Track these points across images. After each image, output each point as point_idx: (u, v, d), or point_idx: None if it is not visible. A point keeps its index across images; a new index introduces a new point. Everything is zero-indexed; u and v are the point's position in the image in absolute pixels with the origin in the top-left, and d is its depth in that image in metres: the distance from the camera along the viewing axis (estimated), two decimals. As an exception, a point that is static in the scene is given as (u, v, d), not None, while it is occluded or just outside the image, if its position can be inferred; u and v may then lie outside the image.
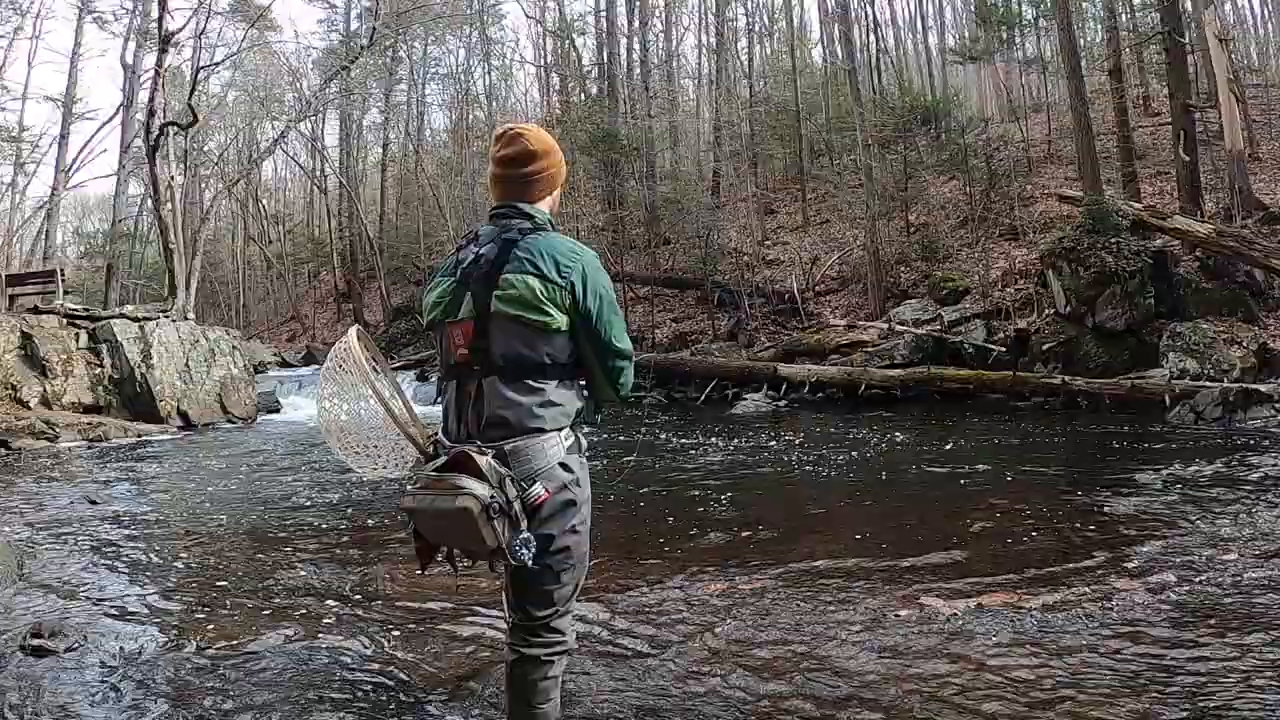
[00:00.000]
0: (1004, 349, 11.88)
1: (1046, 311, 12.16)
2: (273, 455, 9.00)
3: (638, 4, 24.85)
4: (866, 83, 22.55)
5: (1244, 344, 10.32)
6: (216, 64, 22.02)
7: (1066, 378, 10.34)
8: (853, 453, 7.45)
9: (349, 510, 5.76)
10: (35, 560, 4.32)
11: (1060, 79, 19.27)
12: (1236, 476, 5.54)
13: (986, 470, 6.35)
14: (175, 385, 12.53)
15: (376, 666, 2.86)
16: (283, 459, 8.65)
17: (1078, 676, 2.57)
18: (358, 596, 3.66)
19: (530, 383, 1.89)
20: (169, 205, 17.39)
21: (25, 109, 36.23)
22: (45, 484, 7.28)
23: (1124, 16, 19.81)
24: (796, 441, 8.28)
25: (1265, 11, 27.61)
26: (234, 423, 12.77)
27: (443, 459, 1.86)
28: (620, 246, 19.85)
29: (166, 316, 14.18)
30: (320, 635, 3.17)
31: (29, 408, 11.14)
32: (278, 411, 14.02)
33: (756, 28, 29.70)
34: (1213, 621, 2.94)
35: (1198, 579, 3.42)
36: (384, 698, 2.62)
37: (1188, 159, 13.72)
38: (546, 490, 1.86)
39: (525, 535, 1.81)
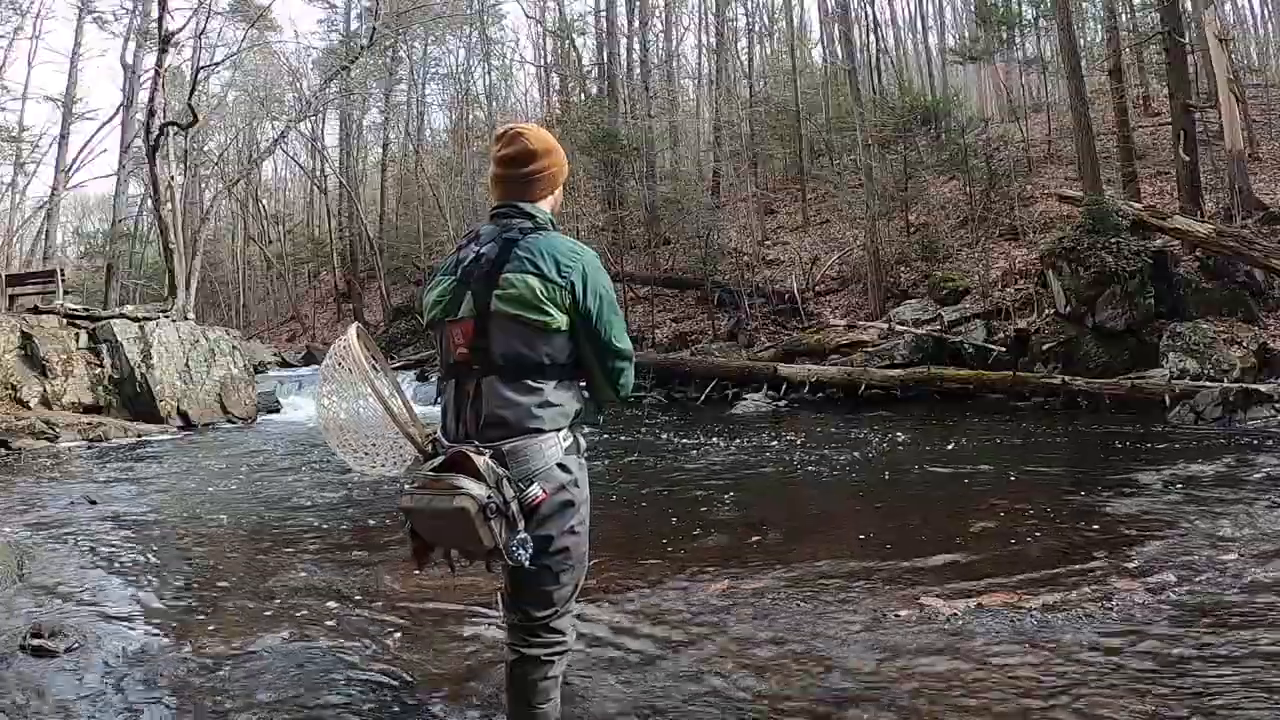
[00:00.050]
0: (1004, 349, 11.87)
1: (1046, 311, 12.16)
2: (273, 455, 9.00)
3: (638, 4, 24.84)
4: (866, 83, 22.55)
5: (1244, 344, 10.32)
6: (216, 64, 22.03)
7: (1066, 378, 10.34)
8: (853, 453, 7.45)
9: (349, 510, 5.76)
10: (35, 560, 4.32)
11: (1060, 79, 19.27)
12: (1236, 476, 5.54)
13: (987, 470, 6.36)
14: (175, 385, 12.53)
15: (377, 666, 2.86)
16: (283, 459, 8.65)
17: (1078, 676, 2.56)
18: (359, 596, 3.66)
19: (529, 383, 1.89)
20: (169, 205, 17.39)
21: (25, 109, 36.22)
22: (45, 484, 7.28)
23: (1124, 16, 19.80)
24: (798, 442, 8.28)
25: (1265, 11, 27.63)
26: (234, 423, 12.77)
27: (440, 458, 1.86)
28: (620, 246, 19.85)
29: (166, 316, 14.18)
30: (321, 635, 3.17)
31: (29, 408, 11.14)
32: (278, 411, 14.02)
33: (756, 28, 29.73)
34: (1213, 622, 2.94)
35: (1198, 579, 3.42)
36: (385, 698, 2.62)
37: (1188, 159, 13.72)
38: (544, 491, 1.86)
39: (522, 536, 1.80)
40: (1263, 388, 8.39)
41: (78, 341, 12.38)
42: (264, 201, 38.20)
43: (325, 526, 5.23)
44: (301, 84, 29.46)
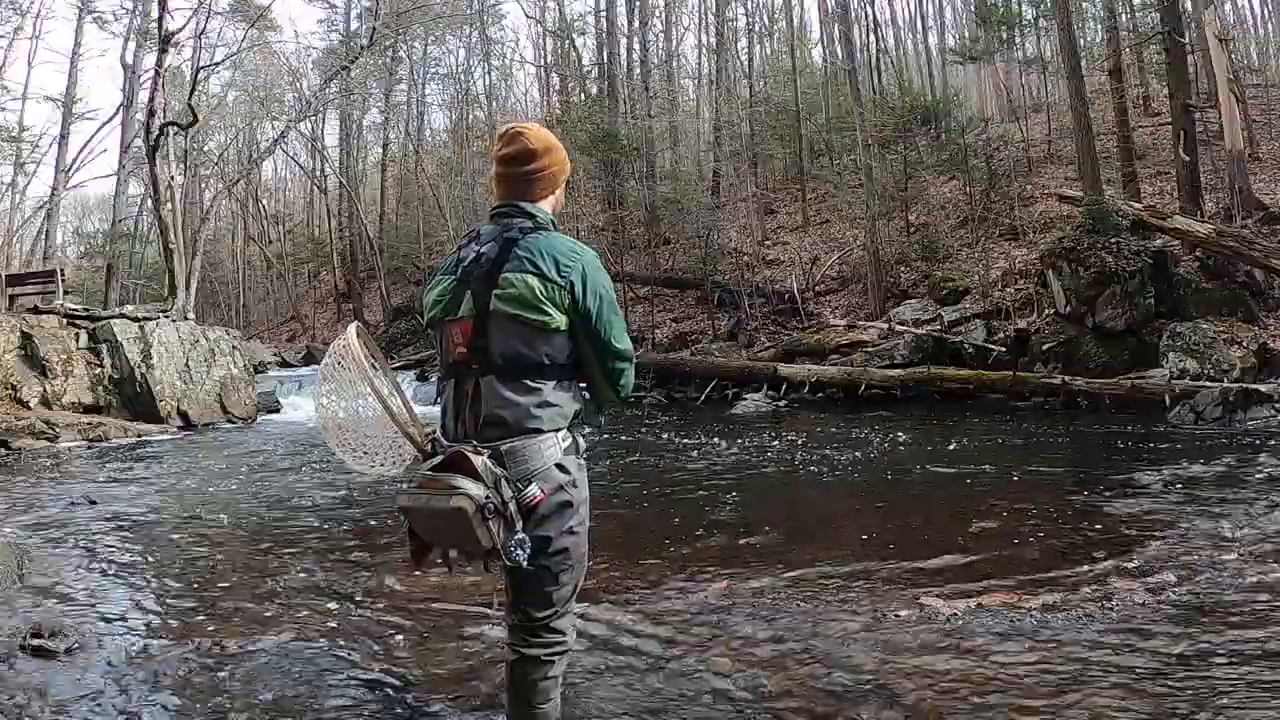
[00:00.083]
0: (1004, 349, 11.87)
1: (1046, 311, 12.16)
2: (273, 455, 9.00)
3: (638, 4, 24.84)
4: (866, 83, 22.55)
5: (1244, 344, 10.32)
6: (216, 64, 22.02)
7: (1066, 378, 10.34)
8: (854, 453, 7.45)
9: (350, 510, 5.76)
10: (35, 560, 4.32)
11: (1060, 79, 19.27)
12: (1237, 476, 5.54)
13: (987, 470, 6.36)
14: (175, 385, 12.53)
15: (378, 666, 2.86)
16: (283, 459, 8.65)
17: (1078, 676, 2.57)
18: (360, 596, 3.66)
19: (528, 383, 1.89)
20: (169, 205, 17.39)
21: (25, 109, 36.23)
22: (45, 484, 7.28)
23: (1124, 16, 19.80)
24: (799, 442, 8.28)
25: (1265, 11, 27.63)
26: (234, 423, 12.77)
27: (439, 458, 1.86)
28: (620, 246, 19.86)
29: (166, 316, 14.18)
30: (322, 636, 3.17)
31: (29, 408, 11.14)
32: (278, 411, 14.02)
33: (756, 28, 29.73)
34: (1213, 622, 2.94)
35: (1198, 579, 3.42)
36: (386, 698, 2.62)
37: (1188, 159, 13.72)
38: (542, 491, 1.86)
39: (520, 536, 1.80)
40: (1263, 388, 8.39)
41: (78, 341, 12.38)
42: (264, 201, 38.21)
43: (326, 527, 5.23)
44: (301, 84, 29.50)
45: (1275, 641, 2.72)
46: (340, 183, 30.61)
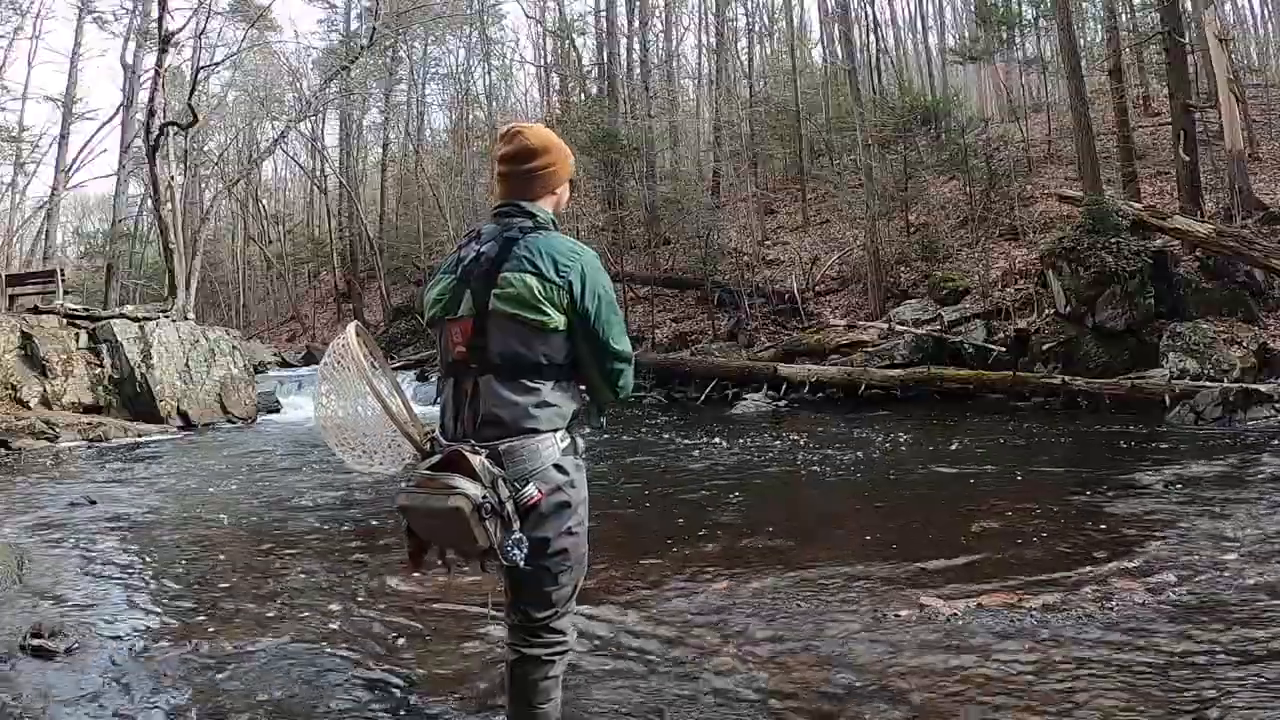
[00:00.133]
0: (1004, 349, 11.87)
1: (1046, 311, 12.16)
2: (273, 455, 9.00)
3: (638, 4, 24.84)
4: (866, 83, 22.55)
5: (1244, 344, 10.32)
6: (216, 64, 22.02)
7: (1066, 378, 10.34)
8: (855, 453, 7.45)
9: (351, 511, 5.75)
10: (35, 560, 4.32)
11: (1060, 79, 19.27)
12: (1237, 476, 5.54)
13: (987, 470, 6.36)
14: (175, 385, 12.53)
15: (380, 666, 2.86)
16: (283, 459, 8.65)
17: (1078, 676, 2.57)
18: (360, 597, 3.66)
19: (526, 382, 1.89)
20: (169, 205, 17.39)
21: (25, 109, 36.17)
22: (45, 484, 7.28)
23: (1124, 16, 19.80)
24: (801, 442, 8.28)
25: (1265, 11, 27.63)
26: (234, 423, 12.77)
27: (437, 457, 1.87)
28: (620, 246, 19.85)
29: (166, 316, 14.18)
30: (323, 636, 3.17)
31: (29, 408, 11.14)
32: (278, 411, 14.01)
33: (756, 28, 29.72)
34: (1214, 622, 2.94)
35: (1198, 579, 3.42)
36: (387, 698, 2.62)
37: (1188, 159, 13.71)
38: (540, 491, 1.86)
39: (517, 536, 1.80)
40: (1263, 388, 8.39)
41: (78, 341, 12.38)
42: (264, 201, 38.20)
43: (326, 527, 5.23)
44: (301, 84, 29.49)
45: (1277, 642, 2.72)
46: (340, 183, 30.61)
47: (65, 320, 12.65)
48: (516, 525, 1.81)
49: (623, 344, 1.97)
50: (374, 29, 21.80)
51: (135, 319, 13.11)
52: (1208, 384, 8.89)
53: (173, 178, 17.55)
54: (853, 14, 22.91)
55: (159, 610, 3.58)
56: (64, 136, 25.13)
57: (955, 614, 3.14)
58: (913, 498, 5.82)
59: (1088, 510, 4.93)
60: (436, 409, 2.04)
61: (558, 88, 30.33)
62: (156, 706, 2.57)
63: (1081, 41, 18.98)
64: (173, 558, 4.55)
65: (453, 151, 31.03)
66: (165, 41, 16.94)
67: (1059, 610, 3.13)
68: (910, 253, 16.81)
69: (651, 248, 20.26)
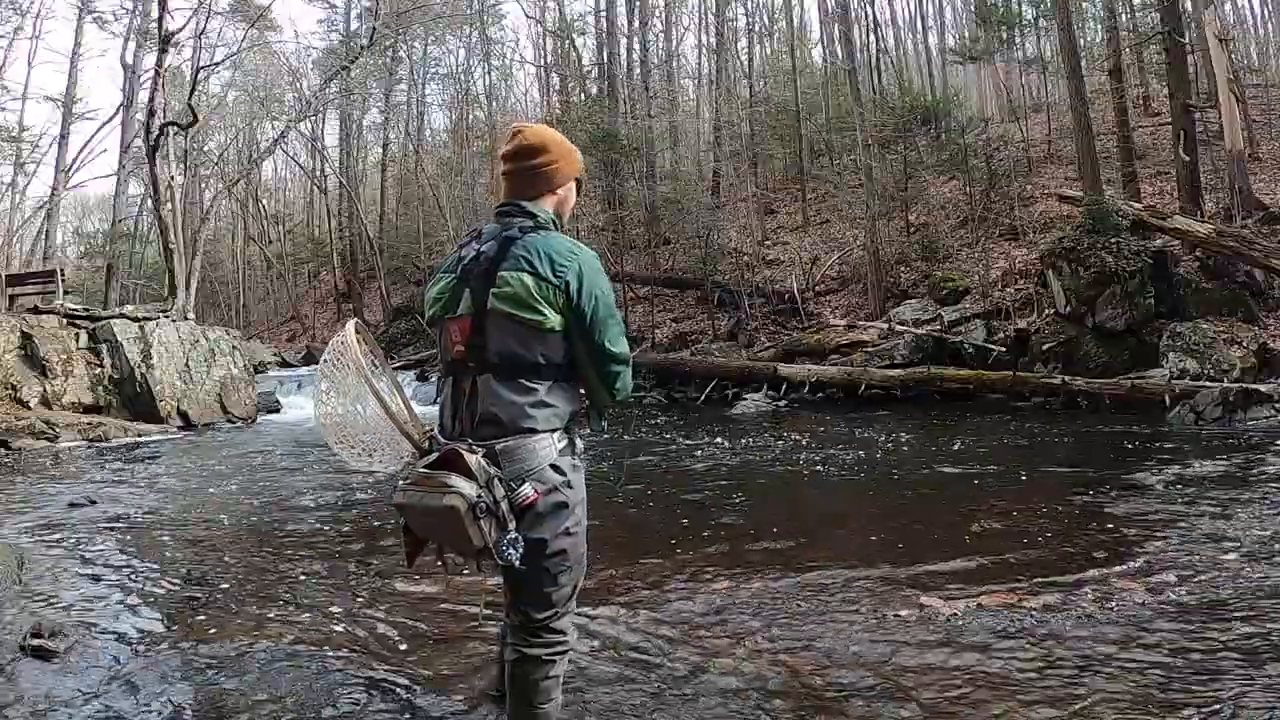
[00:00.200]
0: (1004, 349, 11.87)
1: (1046, 311, 12.16)
2: (273, 456, 9.00)
3: (638, 4, 24.84)
4: (866, 83, 22.55)
5: (1244, 344, 10.32)
6: (216, 64, 22.01)
7: (1066, 378, 10.34)
8: (855, 453, 7.45)
9: (351, 511, 5.75)
10: (35, 560, 4.31)
11: (1060, 79, 19.28)
12: (1237, 476, 5.54)
13: (987, 470, 6.36)
14: (175, 385, 12.53)
15: (381, 666, 2.86)
16: (283, 459, 8.65)
17: (1078, 676, 2.57)
18: (361, 597, 3.66)
19: (524, 382, 1.89)
20: (169, 205, 17.38)
21: (25, 109, 36.28)
22: (45, 484, 7.28)
23: (1124, 16, 19.80)
24: (802, 442, 8.28)
25: (1265, 11, 27.64)
26: (234, 423, 12.77)
27: (434, 456, 1.87)
28: (620, 246, 19.86)
29: (166, 316, 14.18)
30: (324, 636, 3.17)
31: (29, 408, 11.13)
32: (278, 411, 14.02)
33: (756, 28, 29.73)
34: (1213, 622, 2.94)
35: (1198, 579, 3.42)
36: (388, 698, 2.62)
37: (1188, 159, 13.72)
38: (536, 491, 1.86)
39: (513, 535, 1.80)
40: (1263, 388, 8.39)
41: (78, 341, 12.38)
42: (264, 201, 38.20)
43: (327, 527, 5.23)
44: (301, 84, 29.49)
45: (1277, 642, 2.72)
46: (340, 183, 30.61)
47: (65, 320, 12.65)
48: (512, 525, 1.81)
49: (620, 346, 1.97)
50: (374, 29, 21.80)
51: (135, 319, 13.11)
52: (1208, 384, 8.89)
53: (173, 178, 17.55)
54: (853, 14, 22.93)
55: (159, 610, 3.58)
56: (64, 136, 25.15)
57: (955, 614, 3.14)
58: (914, 498, 5.82)
59: (1088, 510, 4.93)
60: (437, 408, 2.05)
61: (558, 88, 30.32)
62: (157, 707, 2.56)
63: (1081, 41, 18.99)
64: (173, 558, 4.55)
65: (453, 151, 31.04)
66: (165, 41, 16.94)
67: (1059, 610, 3.13)
68: (910, 253, 16.82)
69: (651, 248, 20.26)
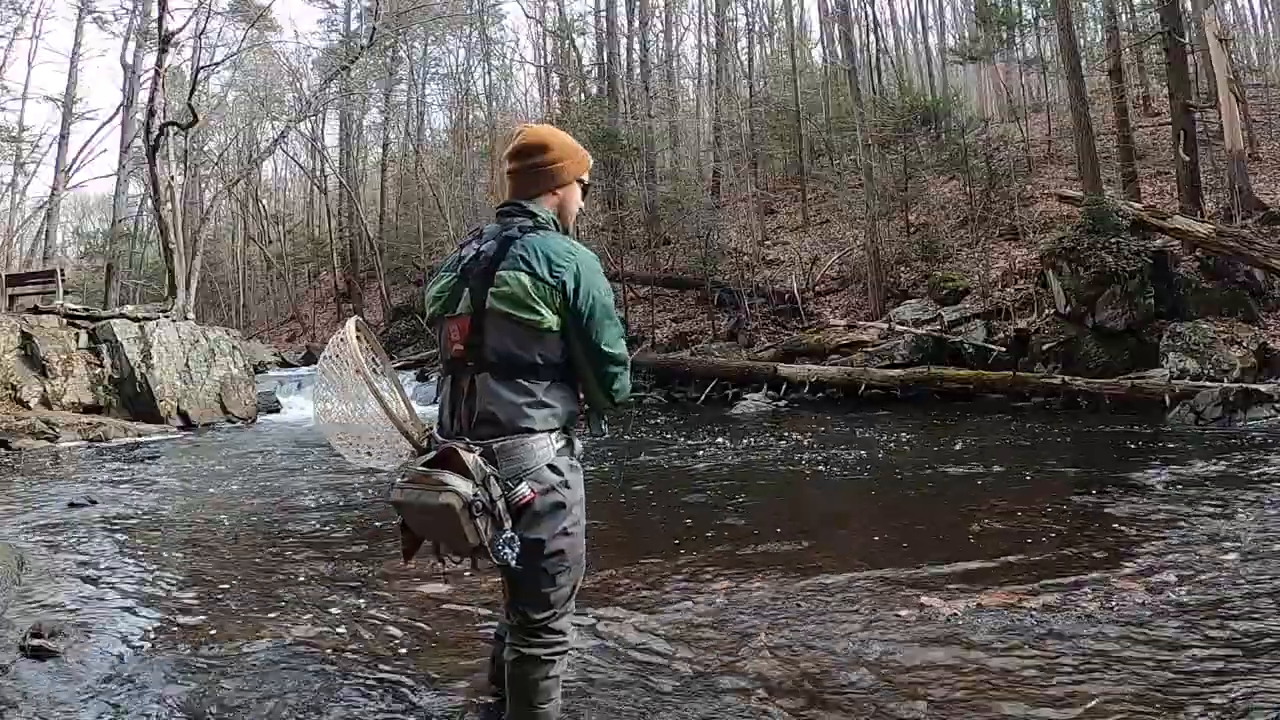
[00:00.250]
0: (1004, 349, 11.87)
1: (1046, 311, 12.16)
2: (273, 455, 9.00)
3: (638, 4, 24.84)
4: (866, 83, 22.55)
5: (1244, 344, 10.32)
6: (216, 64, 22.01)
7: (1066, 378, 10.34)
8: (858, 452, 7.45)
9: (352, 511, 5.75)
10: (35, 561, 4.31)
11: (1060, 79, 19.28)
12: (1237, 476, 5.54)
13: (987, 470, 6.36)
14: (175, 385, 12.53)
15: (381, 666, 2.86)
16: (283, 459, 8.65)
17: (1077, 676, 2.57)
18: (362, 597, 3.65)
19: (522, 382, 1.90)
20: (169, 205, 17.39)
21: (25, 109, 36.26)
22: (45, 484, 7.28)
23: (1124, 16, 19.80)
24: (804, 442, 8.28)
25: (1265, 11, 27.63)
26: (234, 423, 12.77)
27: (432, 454, 1.87)
28: (620, 246, 19.85)
29: (166, 316, 14.18)
30: (324, 636, 3.17)
31: (29, 408, 11.14)
32: (278, 411, 14.02)
33: (756, 28, 29.73)
34: (1214, 622, 2.94)
35: (1198, 579, 3.42)
36: (389, 698, 2.62)
37: (1188, 159, 13.71)
38: (532, 491, 1.86)
39: (509, 535, 1.80)
40: (1263, 388, 8.39)
41: (78, 341, 12.38)
42: (264, 201, 38.20)
43: (327, 527, 5.23)
44: (301, 84, 29.48)
45: (1276, 641, 2.72)
46: (340, 183, 30.61)
47: (65, 320, 12.65)
48: (508, 524, 1.81)
49: (617, 347, 1.97)
50: (374, 29, 21.80)
51: (135, 319, 13.11)
52: (1208, 384, 8.89)
53: (173, 178, 17.55)
54: (853, 14, 22.93)
55: (159, 610, 3.58)
56: (64, 136, 25.16)
57: (955, 614, 3.14)
58: (916, 498, 5.82)
59: (1088, 510, 4.93)
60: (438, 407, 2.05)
61: (558, 88, 30.29)
62: (156, 707, 2.56)
63: (1081, 41, 18.98)
64: (173, 558, 4.55)
65: (453, 151, 31.04)
66: (165, 41, 16.94)
67: (1059, 610, 3.13)
68: (910, 253, 16.81)
69: (651, 248, 20.25)
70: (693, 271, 18.47)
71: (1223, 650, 2.68)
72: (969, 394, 11.08)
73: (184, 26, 18.29)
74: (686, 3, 29.71)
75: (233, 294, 36.50)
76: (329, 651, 3.00)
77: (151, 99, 17.59)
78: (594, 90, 25.76)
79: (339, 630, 3.22)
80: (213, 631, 3.22)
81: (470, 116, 31.67)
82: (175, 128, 17.58)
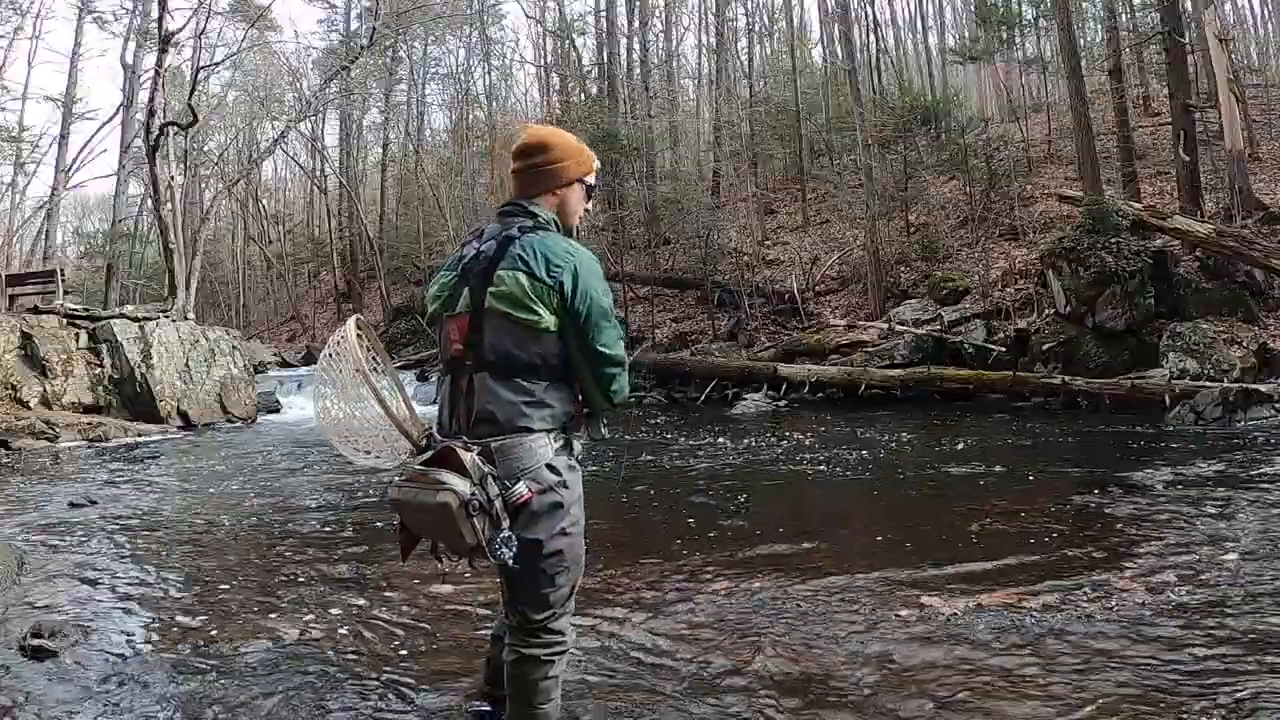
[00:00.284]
0: (1004, 349, 11.87)
1: (1046, 311, 12.16)
2: (273, 456, 9.00)
3: (638, 4, 24.83)
4: (866, 83, 22.55)
5: (1244, 344, 10.32)
6: (216, 64, 22.01)
7: (1066, 378, 10.34)
8: (859, 452, 7.45)
9: (352, 511, 5.75)
10: (35, 561, 4.32)
11: (1060, 79, 19.27)
12: (1237, 476, 5.53)
13: (987, 470, 6.35)
14: (175, 385, 12.52)
15: (382, 666, 2.86)
16: (283, 459, 8.64)
17: (1077, 676, 2.56)
18: (363, 597, 3.65)
19: (521, 381, 1.90)
20: (169, 205, 17.39)
21: (25, 109, 36.25)
22: (45, 484, 7.28)
23: (1124, 16, 19.80)
24: (806, 442, 8.28)
25: (1265, 11, 27.63)
26: (234, 423, 12.76)
27: (430, 453, 1.88)
28: (620, 246, 19.85)
29: (166, 316, 14.18)
30: (326, 636, 3.16)
31: (29, 408, 11.13)
32: (278, 411, 14.02)
33: (756, 28, 29.72)
34: (1214, 621, 2.94)
35: (1199, 579, 3.42)
36: (389, 698, 2.61)
37: (1188, 159, 13.71)
38: (530, 490, 1.86)
39: (506, 534, 1.80)
40: (1263, 388, 8.39)
41: (78, 341, 12.38)
42: (264, 201, 38.18)
43: (328, 527, 5.23)
44: (301, 84, 29.47)
45: (1276, 641, 2.72)
46: (340, 183, 30.61)
47: (65, 320, 12.65)
48: (505, 523, 1.81)
49: (615, 348, 1.97)
50: (374, 29, 21.80)
51: (135, 319, 13.11)
52: (1208, 384, 8.89)
53: (173, 178, 17.55)
54: (853, 14, 22.93)
55: (159, 610, 3.57)
56: (64, 136, 25.15)
57: (955, 614, 3.14)
58: (917, 498, 5.82)
59: (1089, 510, 4.93)
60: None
61: (558, 88, 30.29)
62: (157, 707, 2.56)
63: (1081, 41, 18.98)
64: (173, 558, 4.55)
65: (453, 151, 31.04)
66: (165, 41, 16.94)
67: (1059, 610, 3.13)
68: (910, 253, 16.81)
69: (651, 248, 20.25)
70: (693, 271, 18.47)
71: (1224, 650, 2.68)
72: (969, 394, 11.07)
73: (184, 26, 18.32)
74: (686, 3, 29.76)
75: (233, 294, 36.50)
76: (329, 652, 3.00)
77: (151, 99, 17.59)
78: (594, 90, 25.77)
79: (340, 630, 3.22)
80: (213, 632, 3.22)
81: (470, 116, 31.67)
82: (175, 128, 17.58)
